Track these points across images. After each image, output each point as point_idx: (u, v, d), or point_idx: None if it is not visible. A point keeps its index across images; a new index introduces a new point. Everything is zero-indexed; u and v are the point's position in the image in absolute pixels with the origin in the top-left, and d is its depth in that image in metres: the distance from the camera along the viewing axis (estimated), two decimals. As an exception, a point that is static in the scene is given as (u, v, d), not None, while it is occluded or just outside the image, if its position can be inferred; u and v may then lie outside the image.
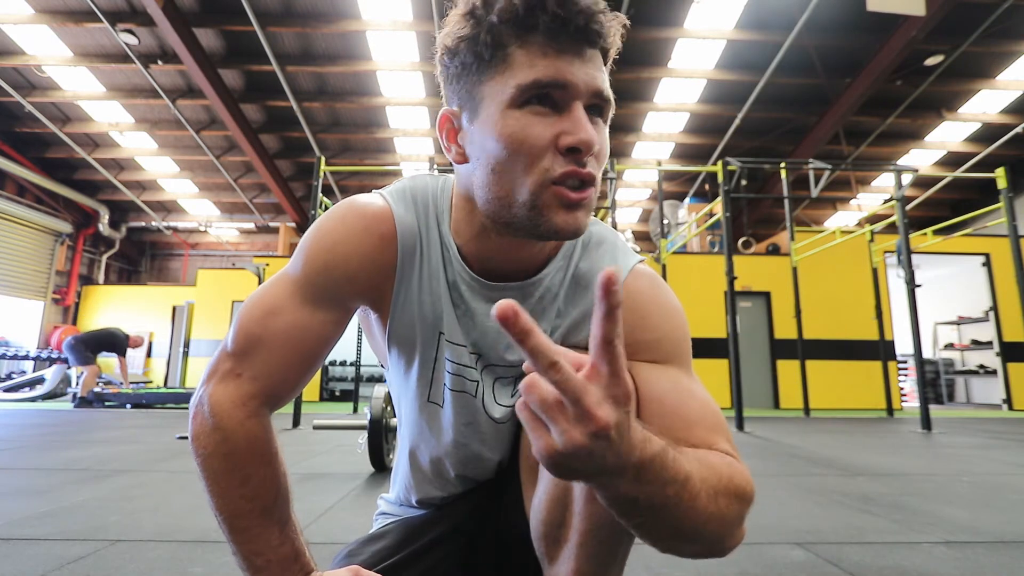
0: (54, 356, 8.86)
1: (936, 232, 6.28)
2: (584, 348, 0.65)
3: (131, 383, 8.03)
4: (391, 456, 2.49)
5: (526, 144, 0.53)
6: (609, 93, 0.55)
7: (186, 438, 3.46)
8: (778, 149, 9.96)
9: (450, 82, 0.59)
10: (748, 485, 0.52)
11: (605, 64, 0.56)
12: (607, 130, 0.58)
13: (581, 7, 0.52)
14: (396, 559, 0.72)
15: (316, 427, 3.05)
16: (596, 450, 0.37)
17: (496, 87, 0.54)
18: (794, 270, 6.80)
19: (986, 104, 8.83)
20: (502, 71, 0.54)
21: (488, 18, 0.53)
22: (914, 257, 4.93)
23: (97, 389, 6.64)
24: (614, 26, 0.55)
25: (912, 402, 8.94)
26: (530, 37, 0.52)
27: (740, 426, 4.39)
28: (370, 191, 0.69)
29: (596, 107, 0.55)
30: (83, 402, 6.40)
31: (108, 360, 11.02)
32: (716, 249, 9.80)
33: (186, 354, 9.84)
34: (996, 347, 8.33)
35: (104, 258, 13.02)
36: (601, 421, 0.36)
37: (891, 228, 7.46)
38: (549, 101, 0.53)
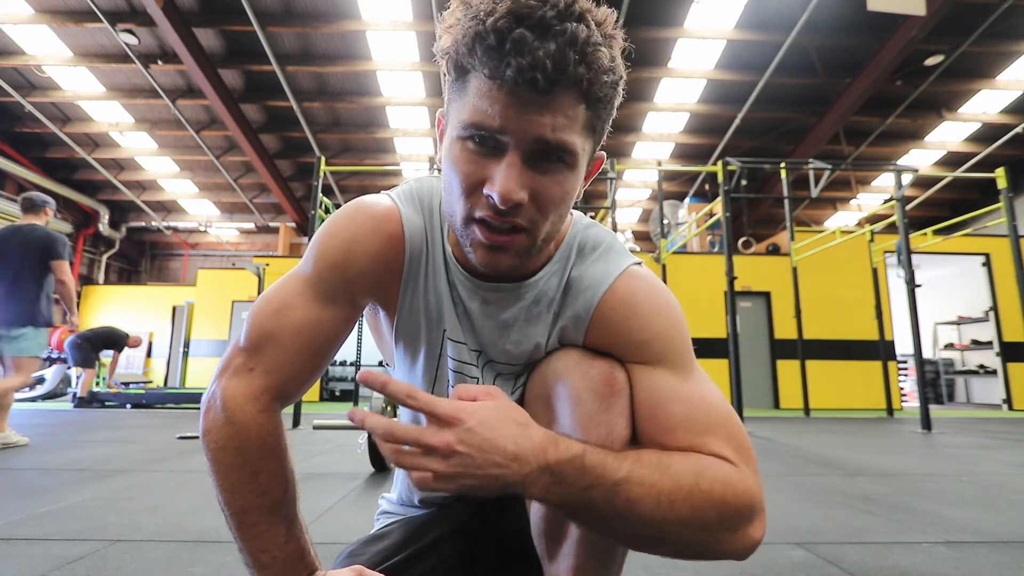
0: (54, 356, 8.85)
1: (936, 232, 6.28)
2: (584, 348, 0.66)
3: (131, 383, 8.02)
4: (391, 456, 2.49)
5: (461, 177, 0.54)
6: (565, 141, 0.51)
7: (186, 438, 3.47)
8: (778, 149, 9.96)
9: (443, 85, 0.60)
10: (727, 490, 0.51)
11: (587, 98, 0.52)
12: (572, 174, 0.55)
13: (519, 59, 0.48)
14: (398, 559, 0.72)
15: (316, 427, 3.05)
16: (459, 466, 0.45)
17: (455, 111, 0.55)
18: (794, 270, 6.80)
19: (986, 104, 8.83)
20: (461, 96, 0.54)
21: (457, 43, 0.52)
22: (914, 257, 4.93)
23: (97, 389, 6.64)
24: (591, 64, 0.50)
25: (912, 402, 8.94)
26: (485, 73, 0.51)
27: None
28: (370, 191, 0.70)
29: (546, 153, 0.52)
30: (82, 402, 6.40)
31: (108, 360, 11.06)
32: (716, 249, 9.79)
33: (186, 354, 9.84)
34: (996, 347, 8.32)
35: (104, 258, 13.03)
36: (438, 443, 0.45)
37: (891, 228, 7.46)
38: (490, 141, 0.52)
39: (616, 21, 0.54)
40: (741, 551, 0.53)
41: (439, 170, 0.64)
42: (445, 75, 0.57)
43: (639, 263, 0.69)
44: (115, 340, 6.72)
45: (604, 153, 0.64)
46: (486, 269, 0.58)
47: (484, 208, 0.54)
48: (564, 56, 0.48)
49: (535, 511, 0.65)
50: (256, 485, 0.59)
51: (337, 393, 9.62)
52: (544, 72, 0.48)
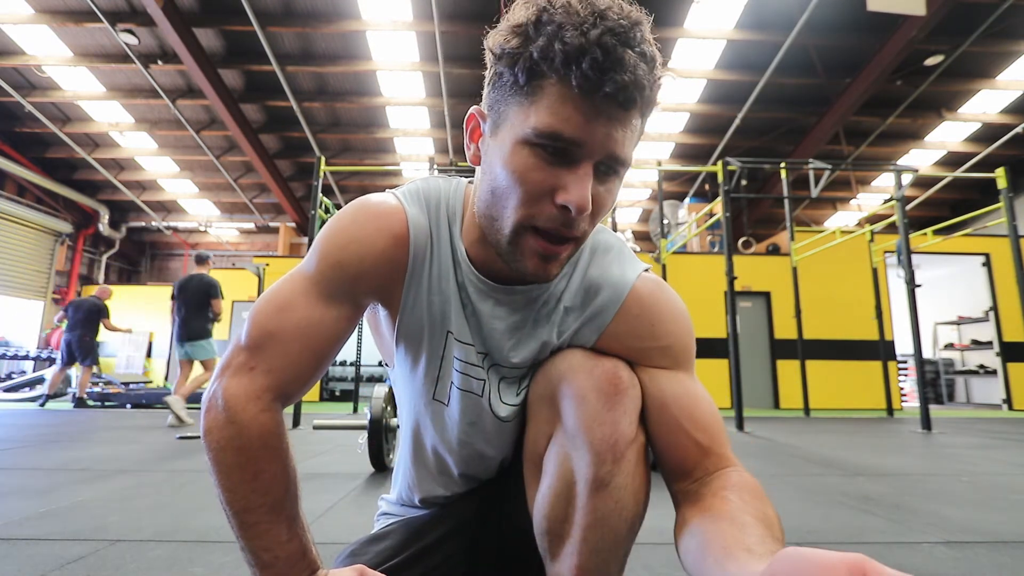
0: (54, 356, 8.86)
1: (936, 232, 6.28)
2: (589, 349, 0.67)
3: (130, 383, 8.00)
4: (391, 456, 2.49)
5: (525, 184, 0.54)
6: (627, 156, 0.55)
7: (187, 438, 3.47)
8: (778, 149, 9.96)
9: (488, 83, 0.59)
10: (765, 497, 0.57)
11: (642, 118, 0.55)
12: (619, 184, 0.58)
13: (621, 76, 0.49)
14: (400, 559, 0.72)
15: (316, 427, 3.05)
16: None
17: (519, 115, 0.54)
18: (794, 270, 6.80)
19: (986, 104, 8.84)
20: (530, 101, 0.53)
21: (531, 47, 0.52)
22: (914, 257, 4.93)
23: (98, 389, 6.64)
24: (656, 87, 0.53)
25: (912, 402, 8.94)
26: (564, 82, 0.51)
27: (740, 426, 4.39)
28: (370, 191, 0.70)
29: (611, 167, 0.55)
30: (81, 402, 6.38)
31: (108, 360, 11.06)
32: (716, 249, 9.79)
33: (186, 354, 9.83)
34: (996, 347, 8.32)
35: (104, 258, 13.02)
36: None
37: (891, 228, 7.46)
38: (561, 152, 0.53)
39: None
40: None
41: (439, 170, 0.64)
42: (503, 75, 0.55)
43: (647, 268, 0.71)
44: (100, 310, 6.52)
45: None
46: (535, 279, 0.59)
47: (549, 219, 0.55)
48: (651, 79, 0.52)
49: (538, 510, 0.65)
50: (258, 484, 0.58)
51: (337, 393, 9.63)
52: (639, 91, 0.51)
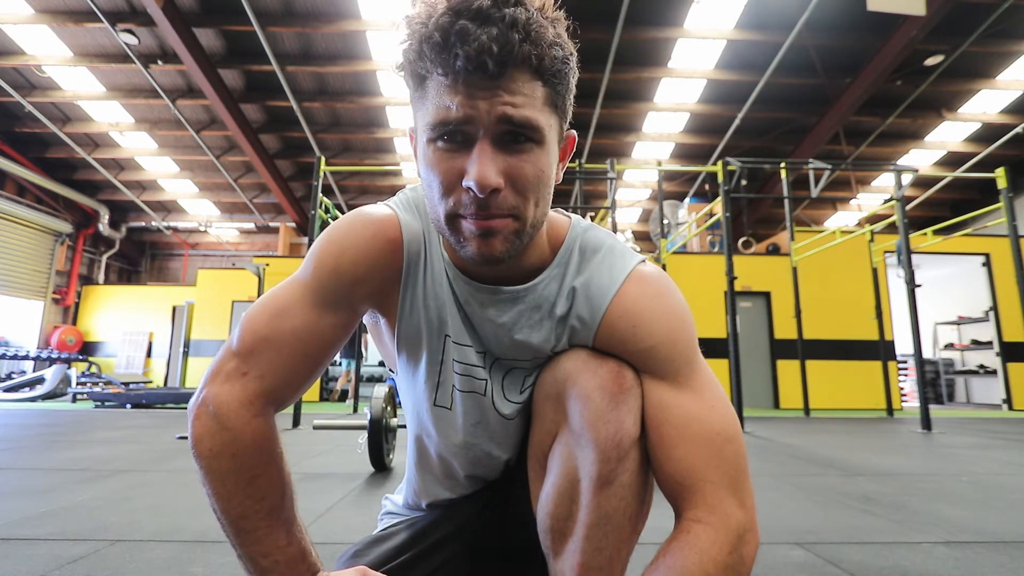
0: (54, 356, 8.86)
1: (936, 232, 6.28)
2: (593, 349, 0.67)
3: (130, 383, 8.00)
4: (391, 456, 2.49)
5: (438, 177, 0.55)
6: (526, 116, 0.52)
7: (186, 438, 3.47)
8: (778, 149, 9.96)
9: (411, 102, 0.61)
10: (734, 554, 0.55)
11: (541, 75, 0.53)
12: (542, 152, 0.55)
13: (467, 47, 0.49)
14: (403, 559, 0.73)
15: (316, 427, 3.05)
16: None
17: (421, 119, 0.56)
18: (794, 270, 6.80)
19: (986, 104, 8.83)
20: (422, 103, 0.55)
21: (406, 55, 0.54)
22: (914, 257, 4.93)
23: (97, 389, 6.63)
24: (529, 41, 0.51)
25: (912, 402, 8.94)
26: (432, 74, 0.53)
27: (740, 426, 4.39)
28: (370, 191, 0.70)
29: (514, 134, 0.53)
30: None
31: (108, 360, 11.07)
32: (716, 249, 9.79)
33: (186, 354, 9.84)
34: (996, 347, 8.32)
35: (104, 258, 13.02)
36: None
37: (891, 228, 7.46)
38: (458, 136, 0.53)
39: (556, 4, 0.56)
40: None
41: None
42: (409, 91, 0.58)
43: (643, 260, 0.69)
44: None
45: (575, 132, 0.64)
46: (481, 259, 0.56)
47: (464, 203, 0.55)
48: (508, 37, 0.50)
49: (541, 508, 0.65)
50: (254, 490, 0.58)
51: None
52: (491, 55, 0.49)
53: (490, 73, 0.50)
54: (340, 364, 8.63)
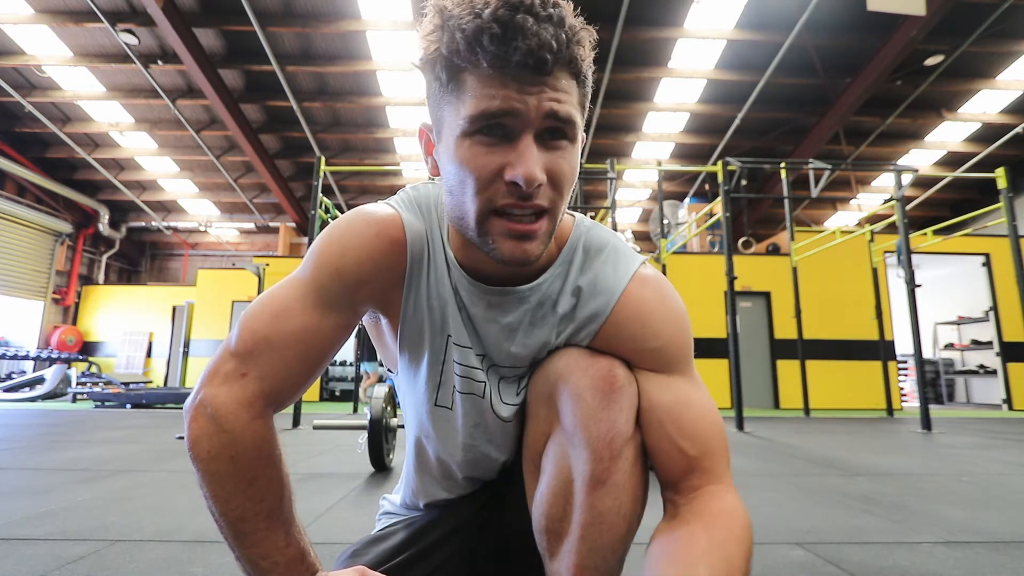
0: (54, 356, 8.86)
1: (936, 232, 6.28)
2: (586, 347, 0.67)
3: (130, 383, 8.00)
4: (391, 456, 2.49)
5: (474, 172, 0.54)
6: (569, 113, 0.54)
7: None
8: (778, 149, 9.96)
9: (426, 95, 0.60)
10: (743, 534, 0.56)
11: (577, 76, 0.55)
12: (574, 150, 0.56)
13: (525, 42, 0.50)
14: (401, 559, 0.73)
15: (316, 427, 3.05)
16: None
17: (452, 113, 0.55)
18: (794, 270, 6.80)
19: (986, 104, 8.83)
20: (457, 96, 0.54)
21: (441, 47, 0.53)
22: (914, 257, 4.93)
23: (97, 389, 6.63)
24: (573, 42, 0.53)
25: (912, 402, 8.94)
26: (477, 67, 0.52)
27: (740, 426, 4.39)
28: (370, 191, 0.70)
29: (555, 130, 0.54)
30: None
31: (108, 360, 11.07)
32: (716, 249, 9.79)
33: (186, 354, 9.85)
34: (996, 347, 8.32)
35: (104, 258, 13.02)
36: None
37: (891, 228, 7.46)
38: (499, 130, 0.53)
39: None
40: None
41: (431, 178, 0.64)
42: (432, 84, 0.57)
43: (644, 262, 0.69)
44: None
45: (586, 134, 0.65)
46: (514, 260, 0.56)
47: (505, 197, 0.54)
48: (560, 37, 0.51)
49: (536, 508, 0.65)
50: (253, 492, 0.58)
51: (337, 393, 9.63)
52: (551, 51, 0.51)
53: (545, 71, 0.51)
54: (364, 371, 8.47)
